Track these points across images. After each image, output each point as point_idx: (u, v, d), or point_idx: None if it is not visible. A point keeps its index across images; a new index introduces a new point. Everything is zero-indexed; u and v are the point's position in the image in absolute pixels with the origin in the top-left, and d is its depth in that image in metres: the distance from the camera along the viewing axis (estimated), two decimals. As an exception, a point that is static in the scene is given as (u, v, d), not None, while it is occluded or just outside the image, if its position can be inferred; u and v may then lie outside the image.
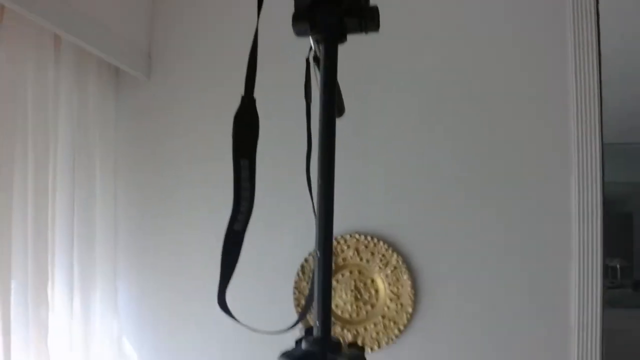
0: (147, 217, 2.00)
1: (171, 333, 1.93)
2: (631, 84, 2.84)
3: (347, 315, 1.81)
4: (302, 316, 0.88)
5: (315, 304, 0.80)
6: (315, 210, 0.84)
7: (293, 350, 0.79)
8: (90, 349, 1.84)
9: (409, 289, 1.78)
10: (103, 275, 1.93)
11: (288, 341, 0.78)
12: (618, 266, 3.94)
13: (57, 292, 1.76)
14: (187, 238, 1.94)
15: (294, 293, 1.83)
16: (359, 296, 1.81)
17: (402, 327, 1.78)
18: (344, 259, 1.81)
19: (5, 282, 1.53)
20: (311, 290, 0.80)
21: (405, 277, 1.78)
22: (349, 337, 1.80)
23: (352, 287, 1.81)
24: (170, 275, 1.95)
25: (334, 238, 0.76)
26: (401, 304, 1.79)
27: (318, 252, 0.79)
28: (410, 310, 1.78)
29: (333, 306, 1.82)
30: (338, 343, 0.80)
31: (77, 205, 1.83)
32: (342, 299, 1.81)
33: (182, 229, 1.95)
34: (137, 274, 1.98)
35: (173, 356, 1.92)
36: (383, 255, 1.79)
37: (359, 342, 1.80)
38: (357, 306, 1.81)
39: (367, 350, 1.78)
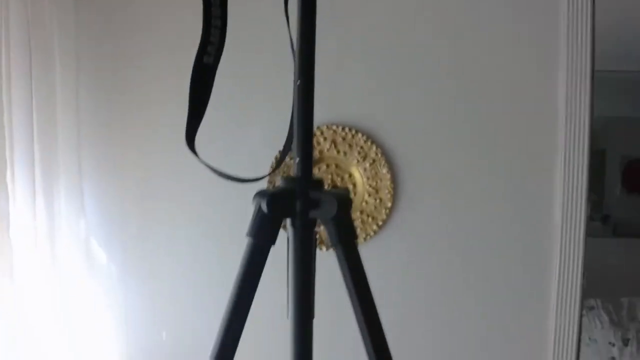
0: (112, 113, 1.88)
1: (139, 232, 1.86)
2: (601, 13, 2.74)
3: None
4: (280, 161, 0.81)
5: (295, 140, 0.72)
6: (292, 38, 0.75)
7: (269, 188, 0.71)
8: (55, 248, 1.76)
9: (388, 183, 1.72)
10: (67, 174, 1.83)
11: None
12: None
13: (18, 192, 1.65)
14: (153, 133, 1.84)
15: (269, 188, 1.76)
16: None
17: (380, 223, 1.73)
18: (321, 152, 1.74)
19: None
20: (290, 126, 0.72)
21: (385, 170, 1.72)
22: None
23: (329, 182, 1.75)
24: (137, 173, 1.86)
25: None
26: (380, 199, 1.73)
27: (299, 79, 0.71)
28: (389, 205, 1.73)
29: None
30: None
31: (36, 101, 1.70)
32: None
33: (149, 123, 1.85)
34: (102, 173, 1.89)
35: (141, 255, 1.86)
36: (361, 148, 1.72)
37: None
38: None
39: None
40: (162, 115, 1.83)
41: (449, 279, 1.73)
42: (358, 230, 1.74)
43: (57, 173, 1.79)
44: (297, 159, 0.71)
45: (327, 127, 1.73)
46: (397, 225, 1.75)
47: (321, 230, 1.78)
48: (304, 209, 0.70)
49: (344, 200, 0.70)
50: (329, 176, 1.74)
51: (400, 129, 1.72)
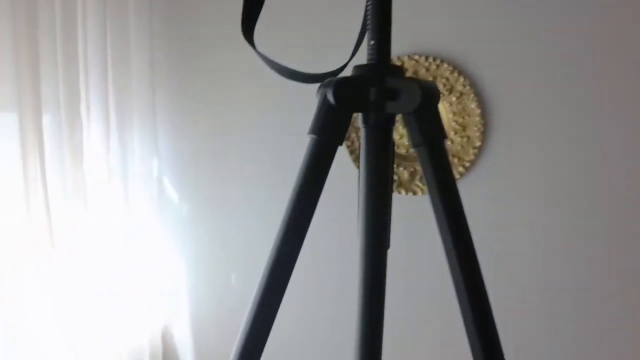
0: (185, 50, 1.82)
1: (212, 172, 1.80)
2: None
3: (403, 151, 1.61)
4: (356, 49, 0.68)
5: (370, 21, 0.59)
6: None
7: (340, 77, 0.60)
8: (129, 186, 1.74)
9: (477, 119, 1.55)
10: (140, 112, 1.79)
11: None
12: None
13: (93, 128, 1.63)
14: (226, 69, 1.76)
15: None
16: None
17: (467, 164, 1.57)
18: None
19: (36, 108, 1.40)
20: (365, 9, 0.59)
21: (473, 105, 1.55)
22: (405, 176, 1.62)
23: (411, 118, 1.60)
24: (210, 110, 1.79)
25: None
26: (467, 138, 1.57)
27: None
28: (477, 144, 1.56)
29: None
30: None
31: (111, 37, 1.66)
32: (397, 132, 1.61)
33: (221, 60, 1.77)
34: (175, 111, 1.84)
35: (214, 194, 1.81)
36: (447, 80, 1.56)
37: (417, 181, 1.61)
38: (416, 140, 1.60)
39: (426, 190, 1.60)
40: (235, 50, 1.74)
41: (543, 232, 1.54)
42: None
43: (130, 111, 1.76)
44: (372, 42, 0.58)
45: (409, 57, 1.58)
46: (486, 167, 1.58)
47: (399, 172, 1.67)
48: (380, 99, 0.57)
49: (430, 90, 0.56)
50: (411, 112, 1.60)
51: (492, 58, 1.54)
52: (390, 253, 0.64)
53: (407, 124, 0.57)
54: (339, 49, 0.74)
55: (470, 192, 1.57)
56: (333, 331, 1.69)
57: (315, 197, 0.56)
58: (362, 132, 0.61)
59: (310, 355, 1.75)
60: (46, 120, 1.46)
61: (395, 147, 1.64)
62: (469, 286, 0.55)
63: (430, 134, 0.57)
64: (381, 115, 0.59)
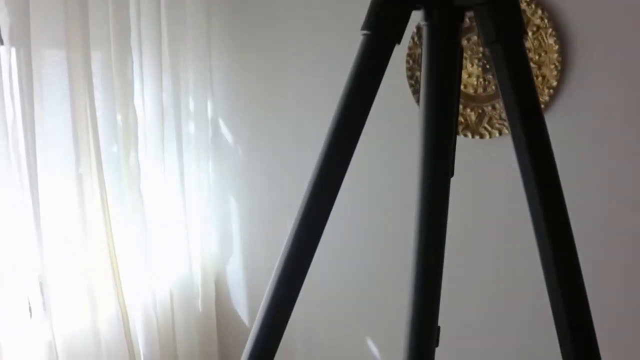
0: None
1: (269, 113, 1.73)
2: None
3: (471, 91, 1.49)
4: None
5: None
6: None
7: None
8: (182, 126, 1.69)
9: (555, 56, 1.40)
10: (195, 49, 1.73)
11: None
12: None
13: (145, 67, 1.59)
14: (285, 3, 1.66)
15: (407, 62, 1.53)
16: (488, 66, 1.46)
17: (542, 106, 1.43)
18: (470, 19, 1.45)
19: (85, 45, 1.36)
20: None
21: (551, 41, 1.40)
22: (472, 118, 1.49)
23: (480, 55, 1.47)
24: (266, 47, 1.71)
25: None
26: (543, 77, 1.42)
27: None
28: (554, 84, 1.41)
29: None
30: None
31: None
32: (465, 71, 1.48)
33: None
34: (231, 49, 1.77)
35: (270, 136, 1.74)
36: (522, 11, 1.40)
37: (485, 123, 1.49)
38: (484, 79, 1.47)
39: (495, 133, 1.47)
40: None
41: (621, 188, 1.38)
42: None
43: (185, 47, 1.70)
44: None
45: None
46: (562, 110, 1.43)
47: (465, 113, 1.54)
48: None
49: (507, -26, 0.46)
50: (480, 48, 1.46)
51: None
52: (452, 203, 0.54)
53: (479, 17, 0.47)
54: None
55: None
56: (385, 270, 1.62)
57: (367, 102, 0.47)
58: (424, 32, 0.51)
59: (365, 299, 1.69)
60: (96, 57, 1.43)
61: (462, 85, 1.52)
62: (555, 237, 0.45)
63: (507, 29, 0.46)
64: (447, 10, 0.49)
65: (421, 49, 0.53)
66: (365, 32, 0.48)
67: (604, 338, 0.50)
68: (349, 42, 1.59)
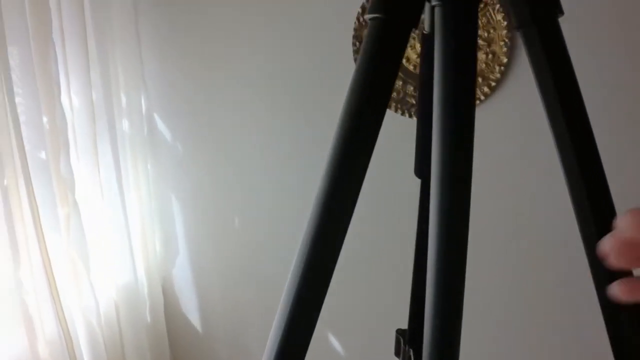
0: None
1: (209, 104, 1.61)
2: None
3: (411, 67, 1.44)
4: None
5: None
6: None
7: None
8: (116, 126, 1.56)
9: (503, 32, 1.38)
10: (123, 40, 1.59)
11: None
12: None
13: (70, 60, 1.44)
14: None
15: (354, 45, 1.46)
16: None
17: (492, 84, 1.40)
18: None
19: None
20: None
21: (499, 17, 1.37)
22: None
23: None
24: (201, 34, 1.59)
25: None
26: (493, 54, 1.40)
27: None
28: (504, 61, 1.39)
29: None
30: None
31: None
32: (412, 49, 1.44)
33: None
34: (162, 39, 1.63)
35: (209, 130, 1.63)
36: (472, -12, 1.37)
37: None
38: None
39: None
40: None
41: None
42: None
43: (112, 38, 1.56)
44: None
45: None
46: (513, 87, 1.41)
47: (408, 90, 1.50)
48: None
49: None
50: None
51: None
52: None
53: None
54: None
55: (497, 115, 1.42)
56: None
57: (386, 92, 0.40)
58: (436, 14, 0.44)
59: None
60: (13, 52, 1.27)
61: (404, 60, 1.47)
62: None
63: (543, 9, 0.40)
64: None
65: (425, 33, 0.46)
66: (375, 15, 0.40)
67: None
68: (290, 32, 1.52)
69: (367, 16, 0.42)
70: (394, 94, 1.47)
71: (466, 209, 0.46)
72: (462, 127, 0.45)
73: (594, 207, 0.41)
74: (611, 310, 0.40)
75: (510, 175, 1.42)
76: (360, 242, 1.50)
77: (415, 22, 0.40)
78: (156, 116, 1.67)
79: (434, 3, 0.43)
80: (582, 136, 0.41)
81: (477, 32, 0.44)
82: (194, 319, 1.80)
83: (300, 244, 0.44)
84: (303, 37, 1.48)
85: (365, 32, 1.44)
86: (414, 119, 1.46)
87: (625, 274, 0.35)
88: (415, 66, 1.46)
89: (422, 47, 0.49)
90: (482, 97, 1.42)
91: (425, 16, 0.46)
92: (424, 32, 0.46)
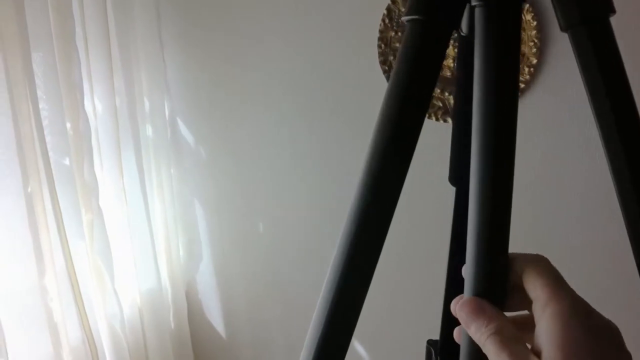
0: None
1: (232, 109, 1.60)
2: None
3: (448, 74, 1.41)
4: None
5: None
6: None
7: None
8: (140, 132, 1.55)
9: (533, 33, 1.33)
10: (145, 45, 1.59)
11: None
12: None
13: (93, 67, 1.44)
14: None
15: (379, 47, 1.43)
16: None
17: (521, 85, 1.37)
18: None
19: (24, 45, 1.20)
20: None
21: (529, 17, 1.33)
22: (451, 101, 1.42)
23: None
24: (225, 39, 1.57)
25: None
26: (522, 54, 1.36)
27: None
28: (534, 62, 1.35)
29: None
30: None
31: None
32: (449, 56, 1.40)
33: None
34: (185, 43, 1.63)
35: (232, 135, 1.61)
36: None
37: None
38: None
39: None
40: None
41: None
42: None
43: (135, 43, 1.56)
44: None
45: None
46: (544, 88, 1.37)
47: (445, 98, 1.47)
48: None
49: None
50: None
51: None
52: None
53: None
54: None
55: (526, 118, 1.38)
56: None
57: (427, 96, 0.37)
58: (477, 15, 0.41)
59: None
60: (37, 58, 1.27)
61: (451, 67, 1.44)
62: None
63: (594, 8, 0.37)
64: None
65: (463, 35, 0.44)
66: (414, 17, 0.38)
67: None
68: (313, 35, 1.50)
69: (405, 18, 0.39)
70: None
71: (507, 219, 0.44)
72: (504, 135, 0.42)
73: None
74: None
75: (537, 176, 1.38)
76: (392, 249, 1.47)
77: (457, 23, 0.38)
78: (179, 120, 1.66)
79: (474, 3, 0.41)
80: (634, 140, 0.38)
81: (520, 34, 0.41)
82: (218, 324, 1.78)
83: (335, 252, 0.43)
84: (328, 38, 1.46)
85: (390, 33, 1.41)
86: (441, 122, 1.42)
87: None
88: (455, 62, 1.42)
89: (459, 49, 0.46)
90: (511, 99, 1.38)
91: (464, 17, 0.43)
92: (462, 34, 0.44)
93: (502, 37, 0.40)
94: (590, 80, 0.38)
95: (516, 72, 0.41)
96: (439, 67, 0.38)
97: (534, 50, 1.35)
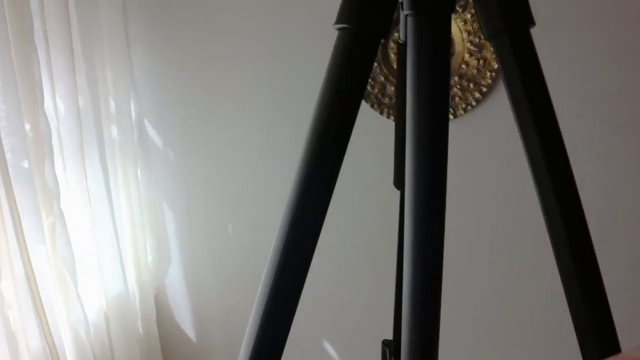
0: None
1: (201, 109, 1.56)
2: None
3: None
4: None
5: None
6: None
7: None
8: (104, 133, 1.51)
9: (504, 34, 1.32)
10: (111, 42, 1.54)
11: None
12: None
13: (54, 64, 1.39)
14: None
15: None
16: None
17: (484, 90, 1.35)
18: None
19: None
20: None
21: (501, 17, 1.31)
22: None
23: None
24: (193, 36, 1.54)
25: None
26: (484, 60, 1.34)
27: None
28: (496, 66, 1.34)
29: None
30: None
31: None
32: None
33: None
34: (152, 40, 1.59)
35: (201, 136, 1.58)
36: (466, -11, 1.31)
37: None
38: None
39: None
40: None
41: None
42: (456, 100, 1.37)
43: (100, 41, 1.51)
44: None
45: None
46: (504, 92, 1.35)
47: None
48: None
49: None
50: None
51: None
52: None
53: (479, 5, 0.40)
54: None
55: (489, 121, 1.37)
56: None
57: (356, 104, 0.37)
58: (409, 23, 0.39)
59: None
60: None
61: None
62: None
63: (515, 18, 0.40)
64: None
65: (400, 42, 0.42)
66: (342, 25, 0.36)
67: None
68: (287, 34, 1.47)
69: (335, 26, 0.37)
70: (386, 99, 1.42)
71: (440, 219, 0.45)
72: (434, 138, 0.43)
73: (563, 214, 0.43)
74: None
75: (502, 177, 1.37)
76: (353, 251, 1.45)
77: (385, 32, 0.36)
78: (146, 121, 1.62)
79: (406, 12, 0.39)
80: (552, 144, 0.43)
81: (449, 42, 0.41)
82: (188, 329, 1.75)
83: (272, 247, 0.45)
84: (300, 42, 1.43)
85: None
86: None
87: None
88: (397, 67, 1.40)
89: (398, 56, 0.45)
90: (474, 103, 1.38)
91: (401, 25, 0.42)
92: (400, 41, 0.42)
93: (431, 45, 0.40)
94: (511, 83, 0.42)
95: (446, 77, 0.41)
96: (367, 75, 0.37)
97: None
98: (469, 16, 1.34)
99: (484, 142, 1.37)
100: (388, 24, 0.36)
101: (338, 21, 0.37)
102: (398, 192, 0.58)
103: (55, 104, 1.39)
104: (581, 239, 0.42)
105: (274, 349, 0.43)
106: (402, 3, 0.39)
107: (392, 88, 1.40)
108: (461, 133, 1.38)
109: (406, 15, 0.38)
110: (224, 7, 1.47)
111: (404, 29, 0.41)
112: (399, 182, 0.52)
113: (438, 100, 0.38)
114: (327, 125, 0.38)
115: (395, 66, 1.41)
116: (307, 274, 0.43)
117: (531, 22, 0.42)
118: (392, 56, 1.41)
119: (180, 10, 1.53)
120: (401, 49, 0.42)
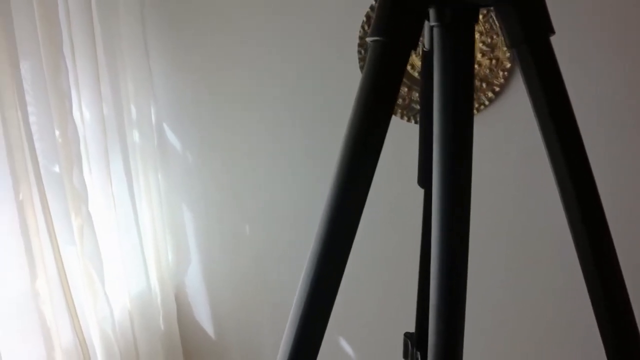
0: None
1: (218, 113, 1.64)
2: None
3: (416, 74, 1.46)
4: None
5: None
6: None
7: None
8: (127, 138, 1.59)
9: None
10: (131, 51, 1.62)
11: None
12: None
13: (80, 74, 1.47)
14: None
15: (359, 53, 1.48)
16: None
17: (497, 89, 1.42)
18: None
19: (12, 54, 1.23)
20: None
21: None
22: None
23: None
24: (209, 43, 1.61)
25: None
26: (496, 59, 1.41)
27: None
28: (508, 66, 1.40)
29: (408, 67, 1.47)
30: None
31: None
32: (418, 56, 1.45)
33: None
34: (169, 48, 1.66)
35: (218, 140, 1.65)
36: (474, -6, 1.38)
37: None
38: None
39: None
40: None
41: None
42: (469, 100, 1.44)
43: (120, 51, 1.59)
44: None
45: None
46: (517, 91, 1.42)
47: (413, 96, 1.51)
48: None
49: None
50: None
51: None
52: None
53: (502, 17, 0.44)
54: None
55: (502, 120, 1.43)
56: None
57: (388, 112, 0.42)
58: (435, 33, 0.46)
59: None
60: (25, 66, 1.30)
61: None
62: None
63: (536, 28, 0.43)
64: (461, 8, 0.44)
65: (425, 50, 0.49)
66: (376, 38, 0.43)
67: None
68: (299, 40, 1.54)
69: (369, 39, 0.44)
70: (400, 101, 1.48)
71: (466, 216, 0.49)
72: (460, 139, 0.47)
73: (585, 216, 0.44)
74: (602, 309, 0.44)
75: (514, 176, 1.43)
76: (371, 248, 1.51)
77: (415, 44, 0.42)
78: (165, 126, 1.69)
79: (432, 24, 0.46)
80: (573, 149, 0.43)
81: (473, 50, 0.46)
82: (207, 326, 1.82)
83: (310, 251, 0.46)
84: (311, 44, 1.51)
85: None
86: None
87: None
88: (420, 73, 1.47)
89: (422, 63, 0.51)
90: (487, 102, 1.43)
91: (425, 33, 0.48)
92: (424, 49, 0.48)
93: (456, 54, 0.45)
94: (533, 90, 0.44)
95: (471, 82, 0.46)
96: (399, 84, 0.42)
97: (508, 55, 1.40)
98: (480, 16, 1.40)
99: (497, 141, 1.43)
100: (417, 36, 0.43)
101: (371, 34, 0.44)
102: (411, 191, 0.63)
103: (82, 112, 1.47)
104: (601, 233, 0.45)
105: (311, 349, 0.48)
106: (428, 14, 0.45)
107: (405, 90, 1.46)
108: (474, 132, 1.44)
109: (432, 27, 0.44)
110: (238, 16, 1.55)
111: (429, 37, 0.46)
112: (424, 181, 0.56)
113: (463, 104, 0.44)
114: (364, 133, 0.42)
115: (408, 71, 1.48)
116: (342, 278, 0.46)
117: (551, 30, 0.44)
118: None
119: (196, 20, 1.61)
120: (426, 56, 0.48)
